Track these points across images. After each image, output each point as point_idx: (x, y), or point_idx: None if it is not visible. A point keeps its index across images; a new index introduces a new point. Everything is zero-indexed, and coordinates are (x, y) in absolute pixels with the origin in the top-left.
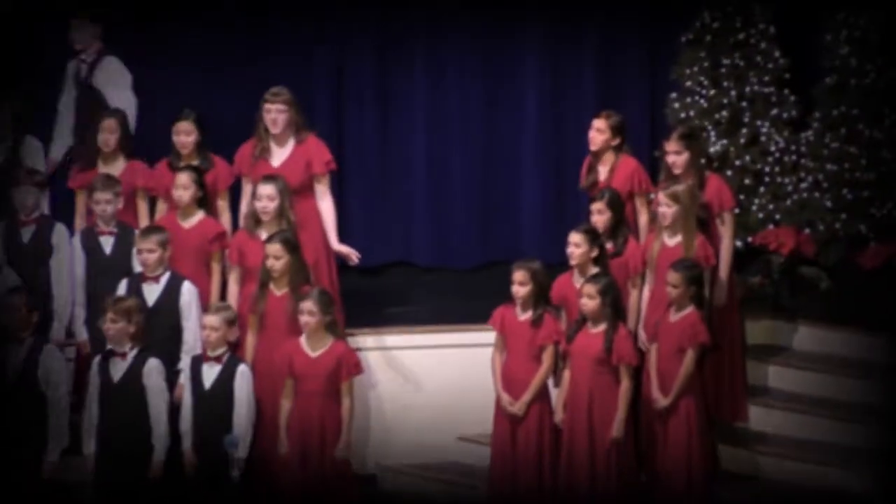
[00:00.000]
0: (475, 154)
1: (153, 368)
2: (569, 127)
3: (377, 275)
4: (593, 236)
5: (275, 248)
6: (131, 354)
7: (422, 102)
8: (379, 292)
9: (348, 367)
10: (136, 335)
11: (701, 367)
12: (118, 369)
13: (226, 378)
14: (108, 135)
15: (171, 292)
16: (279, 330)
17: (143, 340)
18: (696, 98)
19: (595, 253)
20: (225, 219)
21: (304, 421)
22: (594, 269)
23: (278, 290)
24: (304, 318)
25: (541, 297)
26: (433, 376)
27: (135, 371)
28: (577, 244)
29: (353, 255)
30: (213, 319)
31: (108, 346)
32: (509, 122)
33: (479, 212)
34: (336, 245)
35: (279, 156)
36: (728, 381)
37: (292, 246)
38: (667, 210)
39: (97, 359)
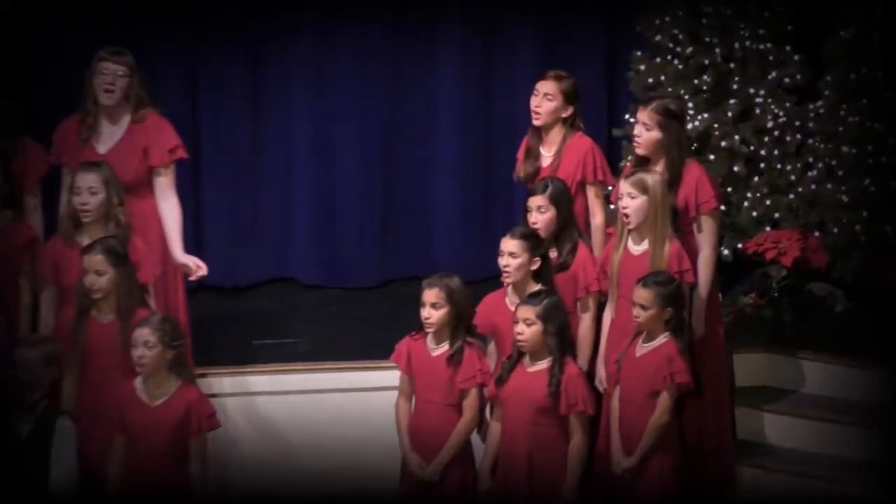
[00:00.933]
0: (374, 143)
1: None
2: (498, 100)
3: (242, 296)
4: (534, 243)
5: (95, 259)
6: None
7: (304, 79)
8: (244, 319)
9: (199, 418)
10: None
11: (678, 417)
12: None
13: (42, 434)
14: None
15: None
16: (106, 370)
17: None
18: (669, 58)
19: (536, 264)
20: (36, 221)
21: (142, 489)
22: (534, 287)
23: (103, 317)
24: (139, 353)
25: (460, 325)
26: (317, 430)
27: None
28: (512, 253)
29: (195, 267)
30: (25, 355)
31: None
32: (418, 99)
33: (379, 215)
34: (179, 256)
35: (109, 138)
36: (712, 436)
37: (119, 257)
38: (630, 203)
39: None
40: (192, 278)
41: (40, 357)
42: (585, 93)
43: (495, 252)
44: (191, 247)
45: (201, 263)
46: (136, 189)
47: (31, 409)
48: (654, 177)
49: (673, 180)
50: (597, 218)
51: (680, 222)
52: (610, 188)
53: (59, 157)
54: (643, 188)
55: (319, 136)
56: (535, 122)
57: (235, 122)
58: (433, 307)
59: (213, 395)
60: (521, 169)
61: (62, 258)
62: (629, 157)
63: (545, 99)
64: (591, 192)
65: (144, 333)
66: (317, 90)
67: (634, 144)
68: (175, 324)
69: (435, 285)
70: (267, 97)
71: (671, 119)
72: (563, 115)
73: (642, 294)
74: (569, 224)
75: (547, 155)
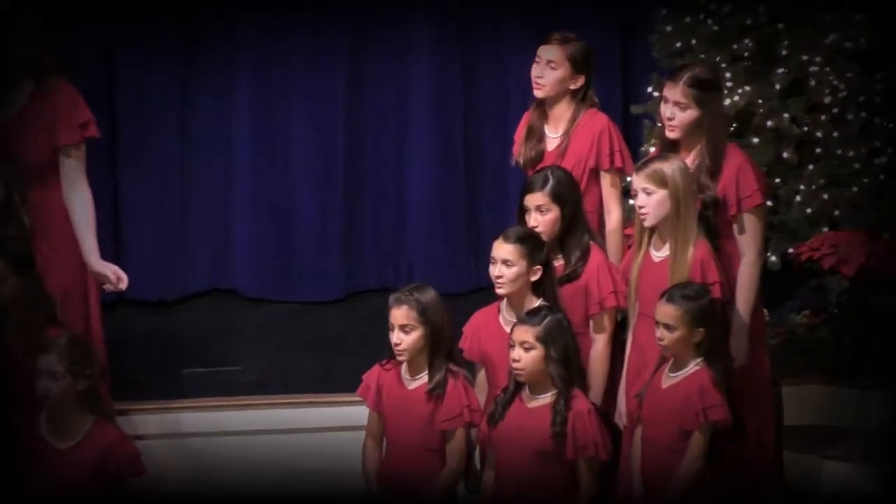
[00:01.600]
0: (332, 131)
1: None
2: (484, 76)
3: (170, 312)
4: (533, 247)
5: None
6: None
7: (246, 61)
8: (172, 341)
9: (119, 463)
10: None
11: (719, 461)
12: None
13: None
14: None
15: None
16: (19, 404)
17: None
18: (702, 16)
19: (536, 274)
20: None
21: None
22: (534, 301)
23: (8, 338)
24: (44, 385)
25: (440, 350)
26: (265, 480)
27: None
28: (506, 260)
29: (115, 278)
30: None
31: None
32: (385, 81)
33: (339, 215)
34: (95, 263)
35: (6, 109)
36: (754, 484)
37: (23, 263)
38: (647, 200)
39: None
40: (108, 290)
41: None
42: (596, 60)
43: (484, 259)
44: (107, 251)
45: (123, 274)
46: (38, 174)
47: None
48: (674, 165)
49: (715, 167)
50: (612, 215)
51: (716, 222)
52: (629, 178)
53: None
54: (661, 180)
55: (264, 124)
56: (537, 94)
57: (161, 106)
58: (403, 330)
59: (137, 437)
60: (521, 153)
61: None
62: (653, 141)
63: (548, 67)
64: (607, 183)
65: (49, 361)
66: (262, 73)
67: (668, 129)
68: (87, 347)
69: (403, 303)
70: (200, 79)
71: (708, 91)
72: (572, 87)
73: (666, 311)
74: (577, 224)
75: (553, 136)
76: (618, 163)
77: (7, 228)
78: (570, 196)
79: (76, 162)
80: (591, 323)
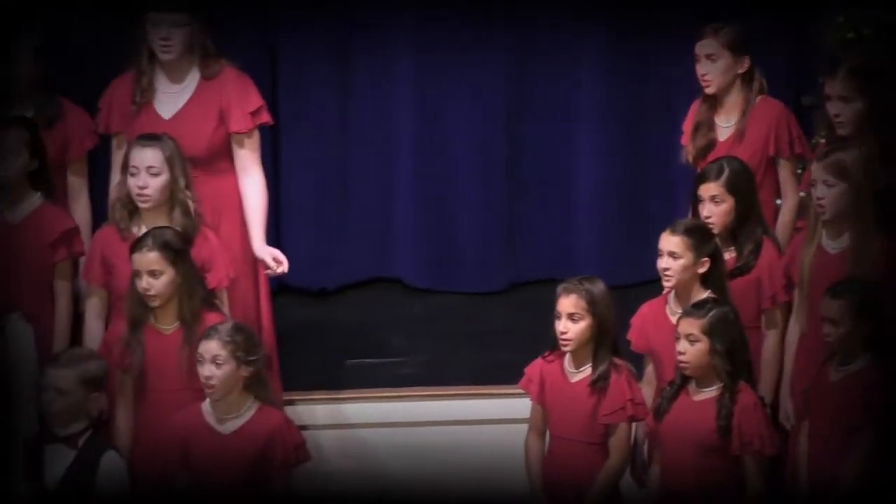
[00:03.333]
0: (495, 118)
1: None
2: (651, 67)
3: (331, 301)
4: (700, 239)
5: (149, 257)
6: None
7: (406, 45)
8: (339, 331)
9: (286, 449)
10: None
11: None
12: None
13: (83, 471)
14: None
15: None
16: (170, 393)
17: None
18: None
19: (703, 266)
20: (82, 208)
21: None
22: (701, 294)
23: (164, 327)
24: (207, 372)
25: (605, 342)
26: (427, 472)
27: None
28: (672, 252)
29: (275, 263)
30: (62, 377)
31: None
32: (550, 71)
33: (503, 203)
34: (258, 248)
35: (174, 100)
36: None
37: (178, 252)
38: (827, 192)
39: None
40: (271, 274)
41: (78, 379)
42: (762, 51)
43: (650, 250)
44: (269, 238)
45: (282, 258)
46: (210, 163)
47: (69, 441)
48: (855, 156)
49: (887, 152)
50: (788, 204)
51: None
52: (801, 168)
53: (108, 125)
54: (842, 173)
55: (425, 113)
56: (708, 91)
57: (322, 91)
58: (571, 319)
59: (303, 427)
60: (690, 146)
61: (114, 254)
62: (822, 134)
63: (709, 61)
64: (786, 171)
65: (212, 347)
66: (422, 62)
67: (837, 126)
68: (250, 334)
69: (573, 291)
70: (361, 68)
71: (870, 78)
72: (740, 72)
73: (832, 307)
74: (750, 216)
75: (725, 126)
76: (798, 149)
77: (172, 217)
78: (745, 187)
79: (250, 149)
80: (765, 318)
